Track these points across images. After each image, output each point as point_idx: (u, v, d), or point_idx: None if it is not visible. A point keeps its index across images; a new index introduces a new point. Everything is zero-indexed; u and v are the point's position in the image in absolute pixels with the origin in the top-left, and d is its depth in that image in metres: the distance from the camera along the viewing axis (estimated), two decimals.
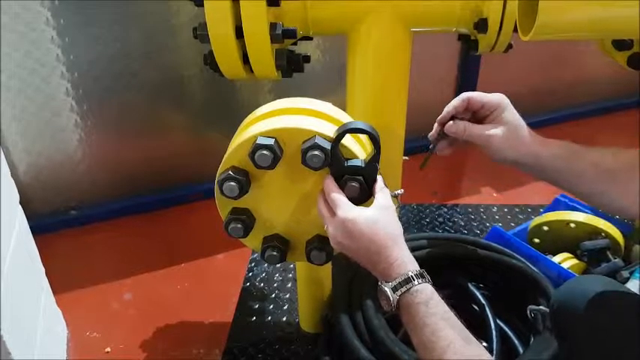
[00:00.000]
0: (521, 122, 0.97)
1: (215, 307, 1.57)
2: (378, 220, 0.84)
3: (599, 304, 0.87)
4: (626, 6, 0.83)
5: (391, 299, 0.80)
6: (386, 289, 0.81)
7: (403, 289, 0.79)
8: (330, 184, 0.89)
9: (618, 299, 0.89)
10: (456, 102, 1.00)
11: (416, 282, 0.79)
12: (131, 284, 1.69)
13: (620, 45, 1.49)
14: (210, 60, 1.16)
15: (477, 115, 1.01)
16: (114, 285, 1.68)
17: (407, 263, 0.82)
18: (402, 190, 0.96)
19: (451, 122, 1.00)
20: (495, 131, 0.96)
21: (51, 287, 1.42)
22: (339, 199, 0.86)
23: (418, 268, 0.82)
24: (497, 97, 0.98)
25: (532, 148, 0.95)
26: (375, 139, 0.88)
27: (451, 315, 0.78)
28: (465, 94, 1.00)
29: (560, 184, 0.96)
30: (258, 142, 0.87)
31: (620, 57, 1.52)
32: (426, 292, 0.79)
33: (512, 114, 0.97)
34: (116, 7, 1.72)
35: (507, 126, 0.96)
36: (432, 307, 0.77)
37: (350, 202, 0.86)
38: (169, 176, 2.09)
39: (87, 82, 1.80)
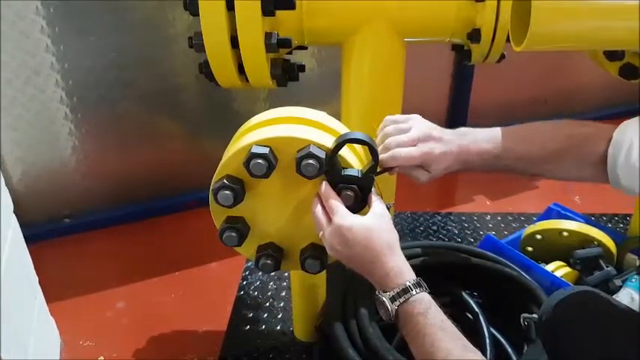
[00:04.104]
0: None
1: (209, 315, 1.57)
2: (374, 227, 0.85)
3: (584, 316, 0.88)
4: (616, 18, 0.84)
5: (389, 309, 0.81)
6: (384, 299, 0.81)
7: (401, 299, 0.80)
8: (328, 189, 0.89)
9: (604, 311, 0.90)
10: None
11: (414, 292, 0.80)
12: (125, 293, 1.68)
13: (612, 55, 1.51)
14: (205, 69, 1.17)
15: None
16: (108, 293, 1.68)
17: (403, 272, 0.83)
18: (394, 202, 0.96)
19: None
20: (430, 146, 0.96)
21: (44, 296, 1.41)
22: (337, 205, 0.87)
23: (415, 276, 0.83)
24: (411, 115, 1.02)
25: (461, 157, 0.98)
26: (373, 151, 0.88)
27: (449, 324, 0.78)
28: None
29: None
30: (252, 150, 0.88)
31: (612, 67, 1.54)
32: (424, 302, 0.79)
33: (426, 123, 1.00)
34: (111, 16, 1.72)
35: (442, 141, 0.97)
36: (430, 318, 0.78)
37: (347, 210, 0.87)
38: (163, 184, 2.08)
39: (81, 91, 1.79)
